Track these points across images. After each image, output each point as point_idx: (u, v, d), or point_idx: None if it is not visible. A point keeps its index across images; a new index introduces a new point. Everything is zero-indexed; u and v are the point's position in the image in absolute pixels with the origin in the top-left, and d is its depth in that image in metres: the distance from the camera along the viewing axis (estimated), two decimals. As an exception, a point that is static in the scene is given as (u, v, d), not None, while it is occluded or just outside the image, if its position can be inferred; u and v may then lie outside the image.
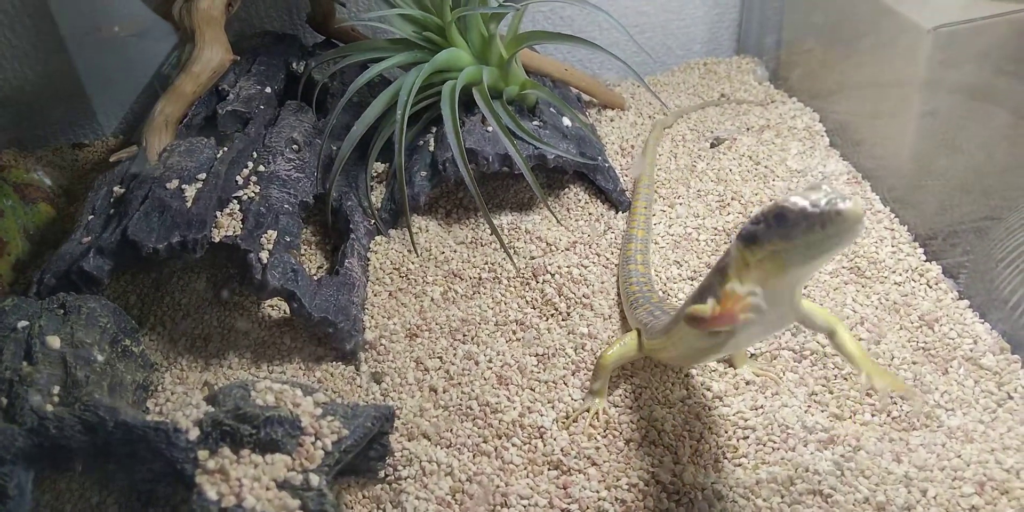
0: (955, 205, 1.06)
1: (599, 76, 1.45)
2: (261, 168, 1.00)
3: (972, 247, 1.00)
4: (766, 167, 1.15)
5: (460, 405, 0.85)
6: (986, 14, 0.97)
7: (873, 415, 0.80)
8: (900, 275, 0.96)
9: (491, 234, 1.08)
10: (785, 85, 1.36)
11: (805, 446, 0.77)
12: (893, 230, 1.03)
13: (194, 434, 0.64)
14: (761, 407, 0.81)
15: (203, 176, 0.95)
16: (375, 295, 1.00)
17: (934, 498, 0.71)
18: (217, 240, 0.88)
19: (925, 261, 0.98)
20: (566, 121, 1.15)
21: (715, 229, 1.06)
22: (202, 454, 0.63)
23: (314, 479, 0.63)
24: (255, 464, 0.63)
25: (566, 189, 1.15)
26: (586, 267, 1.01)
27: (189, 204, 0.91)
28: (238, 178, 0.98)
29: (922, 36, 0.98)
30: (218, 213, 0.92)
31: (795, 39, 1.36)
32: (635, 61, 1.53)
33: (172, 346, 0.95)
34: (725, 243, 1.04)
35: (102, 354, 0.77)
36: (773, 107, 1.30)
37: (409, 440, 0.82)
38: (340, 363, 0.92)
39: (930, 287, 0.95)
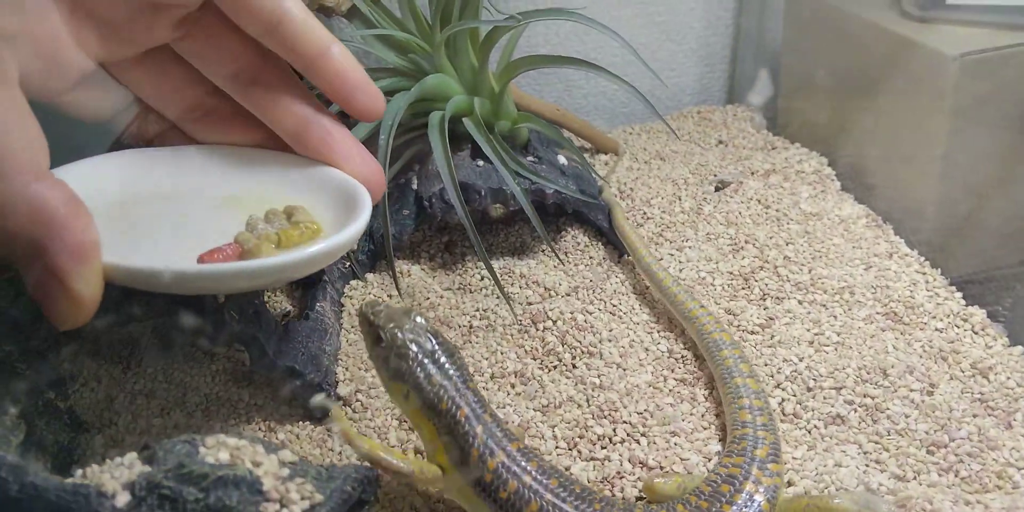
0: (989, 248, 0.97)
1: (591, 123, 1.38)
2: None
3: (1014, 291, 0.91)
4: (777, 210, 1.07)
5: (453, 469, 0.71)
6: (1013, 42, 0.91)
7: (940, 475, 0.68)
8: (941, 320, 0.87)
9: (482, 279, 0.97)
10: (784, 132, 1.30)
11: (873, 513, 0.64)
12: (925, 274, 0.94)
13: (123, 500, 0.50)
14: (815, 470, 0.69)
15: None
16: (350, 345, 0.87)
17: (1037, 574, 0.59)
18: (168, 275, 0.76)
19: (966, 306, 0.88)
20: (562, 159, 1.06)
21: (730, 273, 0.96)
22: (132, 526, 0.49)
23: (277, 558, 0.49)
24: (201, 539, 0.49)
25: (563, 232, 1.05)
26: (591, 313, 0.90)
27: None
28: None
29: (946, 64, 0.92)
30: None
31: (794, 88, 1.30)
32: (624, 111, 1.49)
33: (108, 404, 0.80)
34: (742, 288, 0.94)
35: (16, 406, 0.62)
36: (776, 153, 1.23)
37: (392, 513, 0.68)
38: (308, 423, 0.78)
39: (976, 333, 0.85)
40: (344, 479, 0.56)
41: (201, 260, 0.61)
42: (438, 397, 0.61)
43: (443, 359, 0.62)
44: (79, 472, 0.57)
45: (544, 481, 0.59)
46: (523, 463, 0.60)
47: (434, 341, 0.63)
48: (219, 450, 0.55)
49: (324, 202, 0.68)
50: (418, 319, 0.64)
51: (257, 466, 0.54)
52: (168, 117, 0.72)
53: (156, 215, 0.68)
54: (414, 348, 0.62)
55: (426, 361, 0.61)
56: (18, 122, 0.54)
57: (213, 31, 0.66)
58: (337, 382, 0.81)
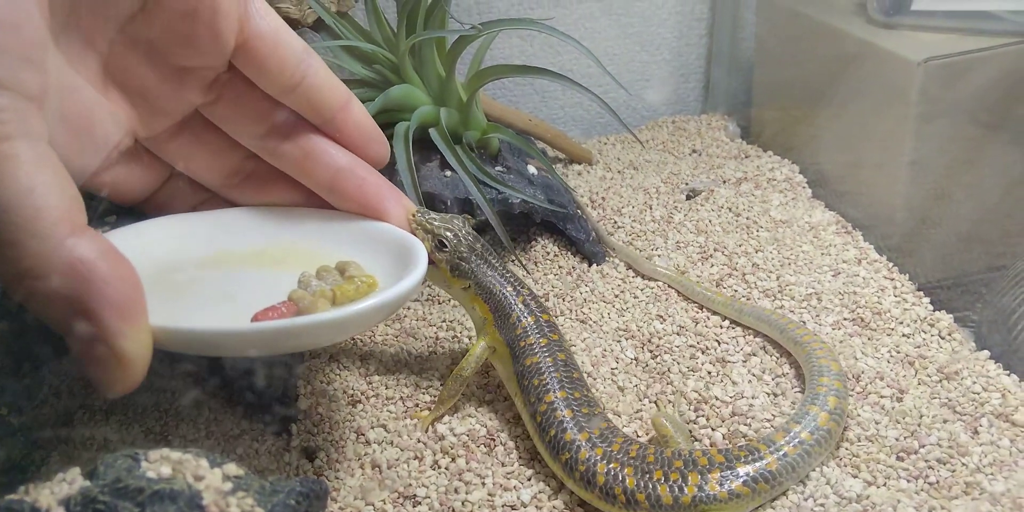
0: (957, 253, 0.97)
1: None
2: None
3: (982, 297, 0.91)
4: (747, 218, 1.06)
5: (412, 484, 0.70)
6: (976, 47, 0.91)
7: (909, 481, 0.67)
8: (908, 326, 0.86)
9: (449, 289, 0.96)
10: (758, 141, 1.30)
11: (835, 521, 0.63)
12: (894, 279, 0.93)
13: (56, 516, 0.49)
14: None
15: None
16: (312, 357, 0.86)
17: (1000, 581, 0.58)
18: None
19: (933, 311, 0.88)
20: (531, 169, 1.06)
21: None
22: (64, 543, 0.47)
23: (214, 575, 0.47)
24: (135, 555, 0.47)
25: (533, 242, 1.04)
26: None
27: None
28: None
29: (911, 70, 0.92)
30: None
31: (767, 97, 1.31)
32: (600, 122, 1.49)
33: (66, 420, 0.79)
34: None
35: (-40, 422, 0.61)
36: (748, 161, 1.23)
37: (348, 528, 0.66)
38: (267, 438, 0.77)
39: (943, 338, 0.85)
40: (288, 493, 0.54)
41: (255, 320, 0.57)
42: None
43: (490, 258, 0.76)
44: (21, 489, 0.56)
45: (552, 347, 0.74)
46: (545, 329, 0.75)
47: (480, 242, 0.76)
48: (161, 464, 0.54)
49: (377, 255, 0.65)
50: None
51: (199, 480, 0.53)
52: (209, 186, 0.70)
53: (203, 280, 0.65)
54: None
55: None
56: (49, 177, 0.50)
57: (240, 92, 0.65)
58: (298, 396, 0.80)
